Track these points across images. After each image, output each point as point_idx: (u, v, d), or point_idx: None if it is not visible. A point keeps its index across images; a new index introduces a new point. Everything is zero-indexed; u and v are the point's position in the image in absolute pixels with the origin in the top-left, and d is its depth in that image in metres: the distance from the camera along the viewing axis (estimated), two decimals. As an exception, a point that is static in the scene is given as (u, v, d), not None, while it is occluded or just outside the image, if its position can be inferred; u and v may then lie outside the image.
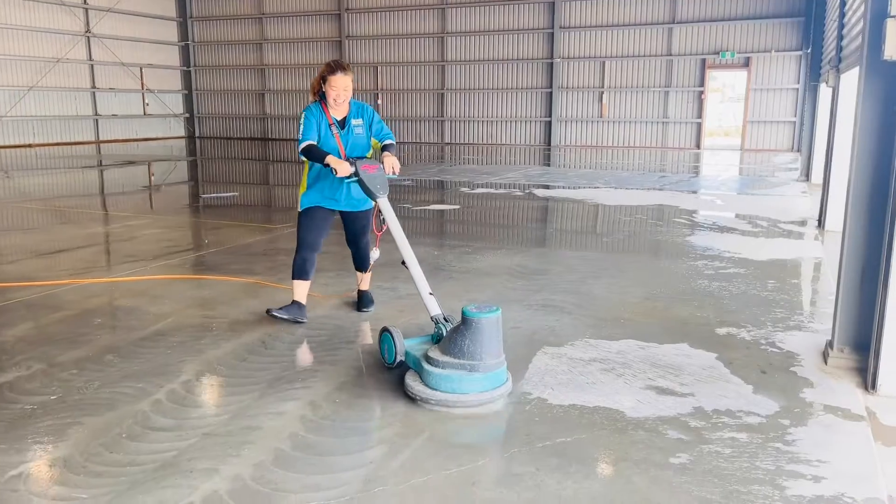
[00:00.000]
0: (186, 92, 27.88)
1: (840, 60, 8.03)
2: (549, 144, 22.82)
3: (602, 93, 22.19)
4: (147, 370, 3.76)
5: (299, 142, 4.26)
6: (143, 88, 25.89)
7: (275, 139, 26.38)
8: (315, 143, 4.26)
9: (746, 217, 8.94)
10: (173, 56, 27.43)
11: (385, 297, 5.16)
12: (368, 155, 4.39)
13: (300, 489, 2.62)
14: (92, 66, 24.03)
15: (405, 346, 3.64)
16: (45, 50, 22.49)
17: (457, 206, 10.07)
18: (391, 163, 4.24)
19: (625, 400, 3.40)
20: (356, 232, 4.66)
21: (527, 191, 11.63)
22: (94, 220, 9.16)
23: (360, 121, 4.41)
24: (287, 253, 6.39)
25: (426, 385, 3.34)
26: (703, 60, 21.01)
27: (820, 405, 3.36)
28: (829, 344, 3.92)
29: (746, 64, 20.65)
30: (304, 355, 4.07)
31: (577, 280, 5.68)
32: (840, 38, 8.23)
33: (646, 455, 2.87)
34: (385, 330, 3.72)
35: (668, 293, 5.32)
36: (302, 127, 4.28)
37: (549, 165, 16.69)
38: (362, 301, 4.88)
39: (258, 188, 13.42)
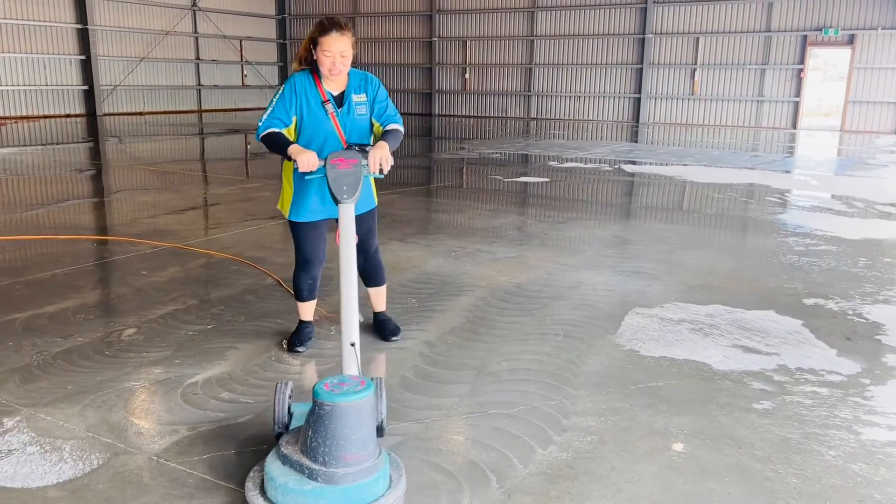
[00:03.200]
0: (282, 64, 28.94)
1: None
2: (638, 121, 22.58)
3: (694, 69, 21.75)
4: (282, 309, 4.31)
5: (258, 128, 3.27)
6: (242, 60, 27.08)
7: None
8: (278, 130, 3.23)
9: (842, 197, 8.86)
10: (270, 29, 28.50)
11: (483, 258, 5.58)
12: (371, 142, 3.41)
13: (424, 407, 3.09)
14: (196, 38, 25.33)
15: (295, 412, 2.55)
16: (155, 23, 23.86)
17: (546, 179, 10.36)
18: (379, 157, 3.08)
19: (712, 355, 3.70)
20: (361, 237, 3.53)
21: (616, 166, 11.77)
22: (211, 182, 9.97)
23: (362, 96, 3.40)
24: (399, 220, 6.89)
25: (261, 485, 2.27)
26: (805, 37, 20.26)
27: (902, 369, 3.57)
28: (916, 316, 4.08)
29: (850, 41, 19.80)
30: (417, 305, 4.53)
31: (668, 251, 5.93)
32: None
33: (731, 400, 3.18)
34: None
35: (756, 265, 5.51)
36: (269, 107, 3.28)
37: (636, 142, 16.65)
38: (385, 327, 3.90)
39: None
